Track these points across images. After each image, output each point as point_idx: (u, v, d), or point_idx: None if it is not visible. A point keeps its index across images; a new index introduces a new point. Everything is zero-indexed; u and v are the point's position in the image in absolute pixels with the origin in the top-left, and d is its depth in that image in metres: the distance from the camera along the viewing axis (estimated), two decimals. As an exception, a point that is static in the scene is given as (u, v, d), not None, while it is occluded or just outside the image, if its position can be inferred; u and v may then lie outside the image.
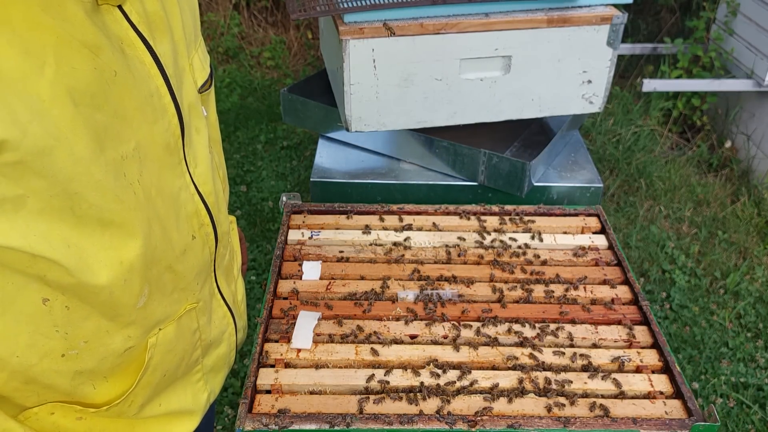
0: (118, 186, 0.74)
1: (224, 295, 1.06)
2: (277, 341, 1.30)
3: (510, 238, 1.58)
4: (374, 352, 1.27)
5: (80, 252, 0.72)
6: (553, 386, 1.22)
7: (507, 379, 1.23)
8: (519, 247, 1.57)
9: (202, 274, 0.96)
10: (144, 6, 0.78)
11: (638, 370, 1.27)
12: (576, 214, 1.68)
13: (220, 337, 1.07)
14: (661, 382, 1.24)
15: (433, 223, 1.63)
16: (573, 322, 1.37)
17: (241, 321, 1.15)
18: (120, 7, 0.75)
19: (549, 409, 1.17)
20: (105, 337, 0.81)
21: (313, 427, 1.12)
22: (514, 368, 1.26)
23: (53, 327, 0.75)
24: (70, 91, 0.67)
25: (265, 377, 1.21)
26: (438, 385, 1.21)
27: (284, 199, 1.68)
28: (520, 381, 1.22)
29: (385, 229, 1.61)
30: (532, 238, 1.59)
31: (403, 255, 1.53)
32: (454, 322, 1.35)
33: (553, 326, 1.35)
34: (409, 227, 1.61)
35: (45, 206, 0.67)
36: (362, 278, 1.46)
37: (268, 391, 1.20)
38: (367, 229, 1.59)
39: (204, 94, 0.98)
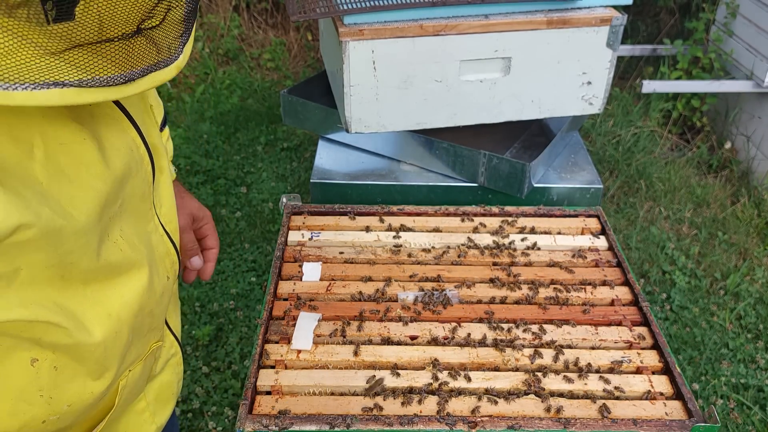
0: (103, 248, 0.74)
1: (170, 323, 1.04)
2: (277, 342, 1.30)
3: (510, 240, 1.58)
4: (374, 353, 1.27)
5: (72, 312, 0.72)
6: (553, 387, 1.22)
7: (507, 380, 1.23)
8: (519, 248, 1.57)
9: (166, 310, 0.96)
10: None
11: (638, 371, 1.27)
12: (576, 216, 1.68)
13: (165, 365, 1.05)
14: (662, 383, 1.24)
15: (433, 225, 1.63)
16: (573, 323, 1.37)
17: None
18: None
19: (549, 410, 1.17)
20: (89, 397, 0.80)
21: (314, 428, 1.12)
22: (514, 369, 1.26)
23: (38, 391, 0.73)
24: (63, 167, 0.66)
25: (266, 378, 1.21)
26: (438, 385, 1.21)
27: (284, 200, 1.68)
28: (521, 382, 1.23)
29: (385, 230, 1.61)
30: (529, 240, 1.59)
31: (402, 256, 1.53)
32: (454, 323, 1.35)
33: (553, 327, 1.35)
34: (410, 228, 1.61)
35: (36, 275, 0.67)
36: (362, 279, 1.46)
37: (269, 392, 1.20)
38: (367, 230, 1.59)
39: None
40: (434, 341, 1.32)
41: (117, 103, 0.78)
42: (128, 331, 0.81)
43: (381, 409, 1.16)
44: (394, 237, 1.58)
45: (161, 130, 0.93)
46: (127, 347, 0.82)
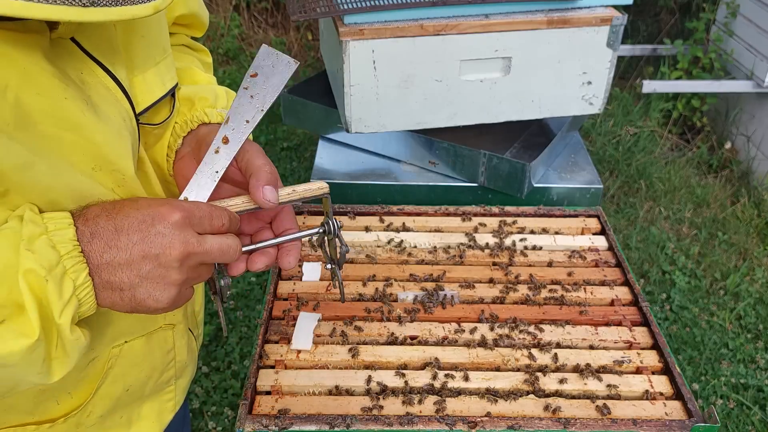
0: (96, 194, 0.74)
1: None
2: (277, 342, 1.30)
3: (510, 240, 1.58)
4: (374, 353, 1.27)
5: None
6: (553, 387, 1.22)
7: (507, 380, 1.23)
8: (519, 248, 1.57)
9: None
10: (97, 32, 0.77)
11: (638, 371, 1.27)
12: (576, 216, 1.68)
13: (193, 359, 1.06)
14: (661, 383, 1.24)
15: (434, 225, 1.63)
16: (573, 323, 1.37)
17: (197, 330, 1.13)
18: (72, 38, 0.74)
19: (549, 410, 1.17)
20: None
21: (313, 428, 1.12)
22: (514, 369, 1.26)
23: None
24: (32, 113, 0.66)
25: (265, 378, 1.21)
26: (438, 386, 1.21)
27: (284, 200, 1.68)
28: (520, 382, 1.23)
29: (385, 230, 1.61)
30: (529, 240, 1.59)
31: (402, 256, 1.53)
32: (454, 323, 1.35)
33: (552, 327, 1.35)
34: (409, 228, 1.61)
35: (25, 200, 0.68)
36: (362, 279, 1.46)
37: (268, 392, 1.20)
38: (367, 230, 1.59)
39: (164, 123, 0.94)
40: (434, 341, 1.32)
41: (111, 75, 0.78)
42: None
43: (381, 409, 1.16)
44: (394, 237, 1.58)
45: (146, 121, 0.91)
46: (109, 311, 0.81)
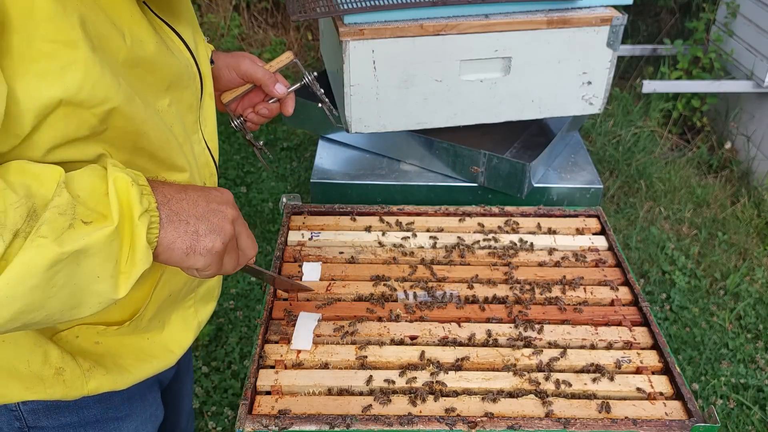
0: (164, 129, 0.89)
1: None
2: (277, 342, 1.30)
3: (510, 240, 1.58)
4: (374, 353, 1.27)
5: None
6: (553, 387, 1.22)
7: (507, 380, 1.23)
8: (518, 248, 1.57)
9: None
10: None
11: (638, 371, 1.27)
12: (576, 216, 1.68)
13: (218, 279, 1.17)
14: (661, 383, 1.24)
15: (434, 225, 1.63)
16: (573, 323, 1.37)
17: None
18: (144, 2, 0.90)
19: (549, 410, 1.17)
20: None
21: (313, 428, 1.12)
22: (514, 369, 1.26)
23: None
24: (137, 58, 0.82)
25: (265, 378, 1.21)
26: (438, 386, 1.21)
27: (284, 200, 1.68)
28: (520, 382, 1.22)
29: (385, 230, 1.61)
30: (529, 240, 1.59)
31: (403, 256, 1.53)
32: (454, 323, 1.35)
33: (552, 327, 1.35)
34: (409, 228, 1.61)
35: (116, 138, 0.81)
36: (362, 279, 1.46)
37: (268, 392, 1.20)
38: (367, 230, 1.59)
39: None
40: (434, 341, 1.32)
41: (178, 35, 0.96)
42: None
43: (381, 408, 1.16)
44: (394, 237, 1.58)
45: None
46: None
